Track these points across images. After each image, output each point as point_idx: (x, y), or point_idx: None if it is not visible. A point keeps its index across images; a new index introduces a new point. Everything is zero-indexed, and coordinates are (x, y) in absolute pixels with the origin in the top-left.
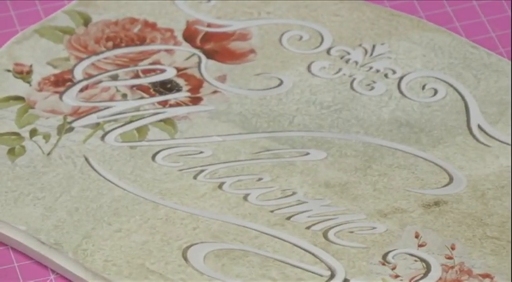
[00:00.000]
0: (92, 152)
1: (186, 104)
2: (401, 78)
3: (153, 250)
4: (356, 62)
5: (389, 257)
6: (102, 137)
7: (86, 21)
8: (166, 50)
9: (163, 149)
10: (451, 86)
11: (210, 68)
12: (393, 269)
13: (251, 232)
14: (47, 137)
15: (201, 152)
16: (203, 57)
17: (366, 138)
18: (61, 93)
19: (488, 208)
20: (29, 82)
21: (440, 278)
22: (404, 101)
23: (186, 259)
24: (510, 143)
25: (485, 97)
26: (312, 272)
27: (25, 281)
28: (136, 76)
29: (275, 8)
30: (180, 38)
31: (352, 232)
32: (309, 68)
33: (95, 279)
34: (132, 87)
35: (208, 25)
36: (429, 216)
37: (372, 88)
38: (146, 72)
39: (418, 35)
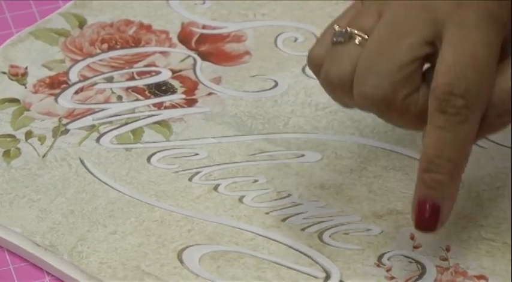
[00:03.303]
0: (87, 154)
1: (181, 106)
2: None
3: (149, 252)
4: None
5: (385, 259)
6: (98, 139)
7: (81, 23)
8: (162, 52)
9: (159, 151)
10: None
11: (205, 70)
12: (388, 270)
13: (246, 234)
14: (42, 139)
15: (196, 154)
16: (198, 59)
17: (361, 139)
18: (56, 95)
19: (484, 209)
20: (24, 84)
21: (435, 280)
22: None
23: (181, 261)
24: (506, 144)
25: None
26: (307, 274)
27: None
28: (132, 78)
29: (270, 9)
30: (175, 40)
31: (347, 234)
32: (304, 69)
33: (90, 281)
34: (127, 89)
35: (203, 27)
36: None
37: None
38: (141, 74)
39: None
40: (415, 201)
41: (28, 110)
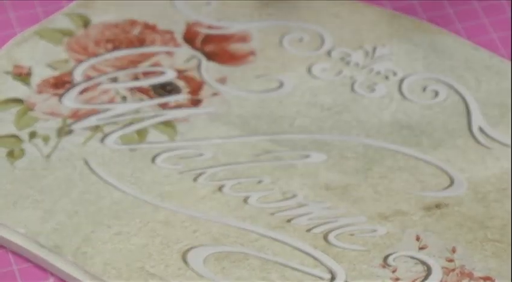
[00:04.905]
0: (91, 155)
1: (186, 106)
2: (402, 80)
3: (153, 253)
4: (357, 64)
5: (390, 260)
6: (102, 140)
7: (86, 23)
8: (166, 52)
9: (163, 152)
10: (452, 88)
11: (210, 70)
12: (394, 271)
13: (251, 235)
14: (46, 139)
15: (201, 155)
16: (203, 59)
17: (367, 140)
18: (60, 96)
19: (489, 211)
20: (28, 84)
21: (441, 281)
22: (405, 103)
23: (186, 262)
24: (511, 145)
25: (487, 99)
26: (313, 275)
27: None
28: (136, 78)
29: (275, 9)
30: (180, 40)
31: (352, 235)
32: (309, 70)
33: None
34: (131, 89)
35: (209, 27)
36: (430, 219)
37: (373, 90)
38: (146, 74)
39: (419, 36)
40: None
41: (32, 110)
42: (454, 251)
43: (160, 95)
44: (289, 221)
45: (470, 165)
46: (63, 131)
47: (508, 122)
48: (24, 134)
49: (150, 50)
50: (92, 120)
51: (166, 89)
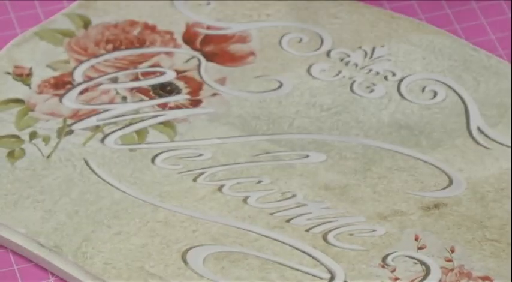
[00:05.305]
0: (91, 155)
1: (186, 107)
2: (401, 81)
3: (153, 253)
4: (356, 65)
5: (389, 260)
6: (102, 140)
7: (86, 23)
8: (166, 53)
9: (163, 152)
10: (451, 88)
11: (209, 71)
12: (393, 271)
13: (251, 235)
14: (46, 139)
15: (201, 155)
16: (203, 59)
17: (366, 140)
18: (61, 96)
19: (488, 211)
20: (28, 85)
21: (439, 281)
22: (404, 103)
23: (185, 262)
24: (510, 145)
25: (485, 99)
26: (312, 275)
27: None
28: (136, 79)
29: (275, 10)
30: (179, 40)
31: (351, 235)
32: (308, 70)
33: None
34: (131, 89)
35: (208, 27)
36: (429, 219)
37: (372, 90)
38: (146, 74)
39: (418, 37)
40: None
41: (32, 110)
42: (452, 250)
43: (160, 95)
44: (288, 221)
45: (469, 165)
46: (64, 131)
47: (507, 122)
48: (24, 134)
49: (150, 50)
50: (92, 121)
51: (166, 89)
